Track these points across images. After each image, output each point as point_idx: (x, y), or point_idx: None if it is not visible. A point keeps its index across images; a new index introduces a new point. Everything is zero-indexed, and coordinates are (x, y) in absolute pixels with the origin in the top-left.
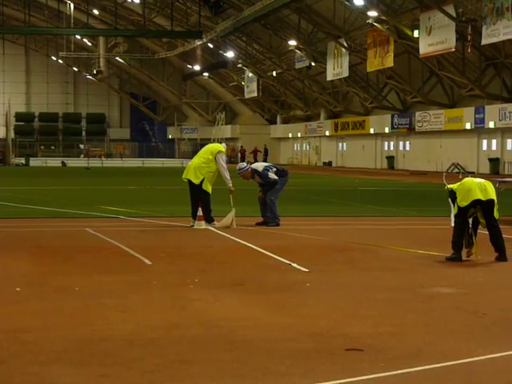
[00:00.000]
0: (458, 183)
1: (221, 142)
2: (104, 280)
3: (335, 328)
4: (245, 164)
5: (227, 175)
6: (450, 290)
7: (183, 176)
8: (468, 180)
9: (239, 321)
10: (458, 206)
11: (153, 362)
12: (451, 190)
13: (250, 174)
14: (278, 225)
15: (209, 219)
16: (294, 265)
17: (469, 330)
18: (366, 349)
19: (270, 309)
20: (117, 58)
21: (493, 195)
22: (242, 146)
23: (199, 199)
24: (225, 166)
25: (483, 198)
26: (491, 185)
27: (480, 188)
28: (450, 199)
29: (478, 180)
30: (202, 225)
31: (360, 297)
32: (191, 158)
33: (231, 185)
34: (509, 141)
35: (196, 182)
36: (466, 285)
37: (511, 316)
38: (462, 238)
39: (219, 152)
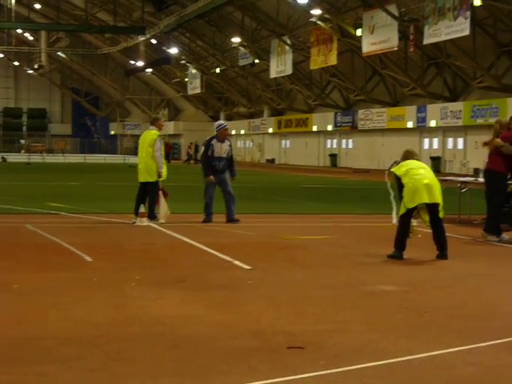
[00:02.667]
0: (403, 169)
1: (154, 120)
2: (43, 277)
3: (277, 326)
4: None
5: (159, 161)
6: (391, 288)
7: (139, 180)
8: (414, 172)
9: (181, 318)
10: (404, 205)
11: (92, 360)
12: (396, 176)
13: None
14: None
15: (151, 216)
16: (236, 262)
17: (410, 328)
18: (307, 346)
19: (212, 306)
20: (59, 53)
21: (439, 198)
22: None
23: (147, 195)
24: (158, 150)
25: (429, 201)
26: (438, 184)
27: (427, 190)
28: (397, 188)
29: (425, 175)
30: (144, 221)
31: (302, 294)
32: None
33: (161, 170)
34: (450, 139)
35: (153, 179)
36: (407, 282)
37: (451, 313)
38: (405, 236)
39: (155, 139)
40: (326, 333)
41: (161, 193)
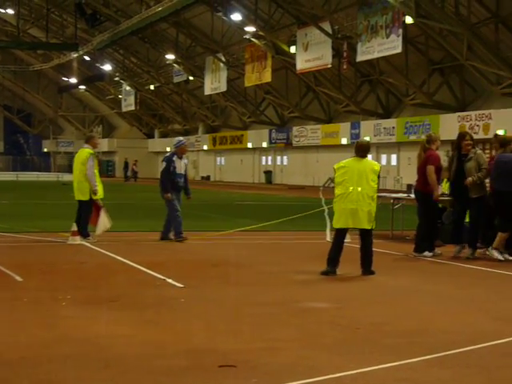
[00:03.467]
0: (340, 178)
1: (89, 138)
2: None
3: (209, 344)
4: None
5: (92, 179)
6: (324, 305)
7: (75, 198)
8: (345, 190)
9: (112, 338)
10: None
11: (20, 382)
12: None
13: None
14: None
15: (84, 234)
16: (169, 280)
17: (342, 344)
18: (239, 365)
19: (143, 325)
20: None
21: (364, 223)
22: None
23: (82, 213)
24: (90, 169)
25: (353, 226)
26: (366, 206)
27: (352, 214)
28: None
29: (351, 197)
30: (77, 240)
31: (235, 312)
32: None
33: (96, 188)
34: (383, 156)
35: (86, 198)
36: (340, 299)
37: (383, 330)
38: (338, 253)
39: (88, 157)
40: (259, 351)
41: (104, 209)
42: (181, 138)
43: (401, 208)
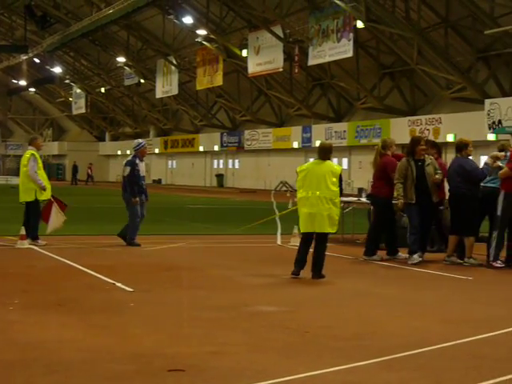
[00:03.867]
0: (301, 182)
1: (32, 140)
2: None
3: (158, 348)
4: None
5: (35, 178)
6: (274, 308)
7: (20, 200)
8: (304, 194)
9: (59, 343)
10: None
11: None
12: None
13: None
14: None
15: (34, 237)
16: (119, 284)
17: (291, 348)
18: (188, 369)
19: (91, 330)
20: None
21: (324, 227)
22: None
23: (30, 215)
24: (32, 169)
25: (312, 231)
26: (325, 210)
27: (310, 219)
28: None
29: (311, 201)
30: (25, 244)
31: (185, 316)
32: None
33: (42, 183)
34: (335, 159)
35: (31, 199)
36: (290, 303)
37: (333, 333)
38: (303, 256)
39: (29, 157)
40: (208, 355)
41: (55, 205)
42: (140, 141)
43: (351, 211)
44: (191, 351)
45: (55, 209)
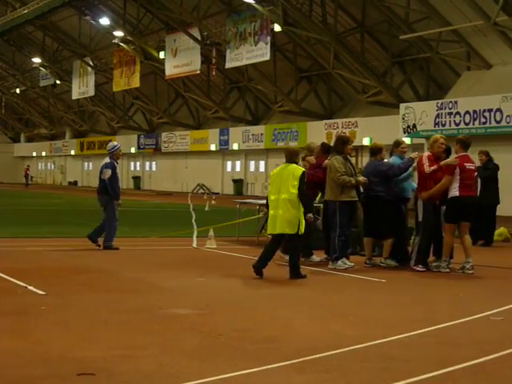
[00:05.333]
0: (270, 186)
1: None
2: None
3: (68, 352)
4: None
5: None
6: (187, 311)
7: None
8: (269, 197)
9: None
10: None
11: None
12: None
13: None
14: None
15: None
16: (31, 288)
17: (203, 351)
18: (98, 373)
19: (0, 334)
20: None
21: (282, 228)
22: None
23: None
24: None
25: (273, 232)
26: (284, 212)
27: (273, 220)
28: None
29: (275, 204)
30: None
31: (97, 319)
32: None
33: None
34: (252, 162)
35: None
36: (204, 305)
37: (245, 336)
38: (266, 256)
39: None
40: (118, 358)
41: None
42: (115, 143)
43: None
44: (102, 355)
45: None
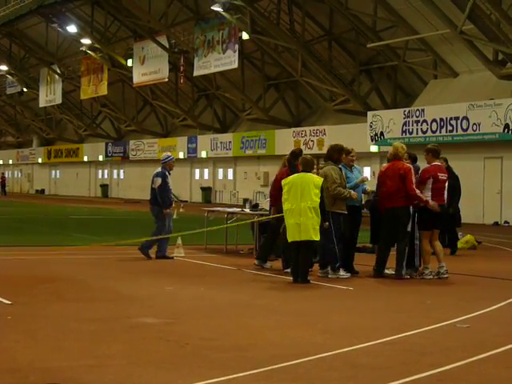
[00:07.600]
0: (285, 195)
1: None
2: None
3: (34, 362)
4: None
5: None
6: (155, 320)
7: None
8: (286, 206)
9: None
10: None
11: None
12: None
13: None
14: None
15: None
16: None
17: (170, 360)
18: (65, 383)
19: None
20: None
21: (308, 235)
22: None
23: None
24: None
25: (298, 240)
26: (309, 220)
27: (297, 228)
28: None
29: (292, 212)
30: None
31: (64, 329)
32: None
33: None
34: (220, 170)
35: None
36: (171, 314)
37: (213, 345)
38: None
39: None
40: (85, 368)
41: None
42: (169, 154)
43: (235, 222)
44: (69, 364)
45: None
